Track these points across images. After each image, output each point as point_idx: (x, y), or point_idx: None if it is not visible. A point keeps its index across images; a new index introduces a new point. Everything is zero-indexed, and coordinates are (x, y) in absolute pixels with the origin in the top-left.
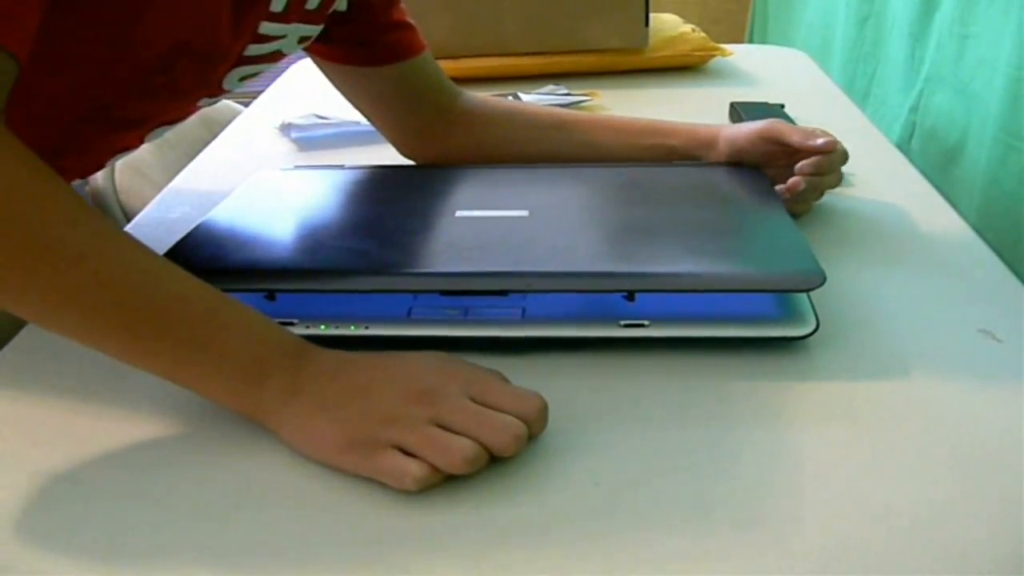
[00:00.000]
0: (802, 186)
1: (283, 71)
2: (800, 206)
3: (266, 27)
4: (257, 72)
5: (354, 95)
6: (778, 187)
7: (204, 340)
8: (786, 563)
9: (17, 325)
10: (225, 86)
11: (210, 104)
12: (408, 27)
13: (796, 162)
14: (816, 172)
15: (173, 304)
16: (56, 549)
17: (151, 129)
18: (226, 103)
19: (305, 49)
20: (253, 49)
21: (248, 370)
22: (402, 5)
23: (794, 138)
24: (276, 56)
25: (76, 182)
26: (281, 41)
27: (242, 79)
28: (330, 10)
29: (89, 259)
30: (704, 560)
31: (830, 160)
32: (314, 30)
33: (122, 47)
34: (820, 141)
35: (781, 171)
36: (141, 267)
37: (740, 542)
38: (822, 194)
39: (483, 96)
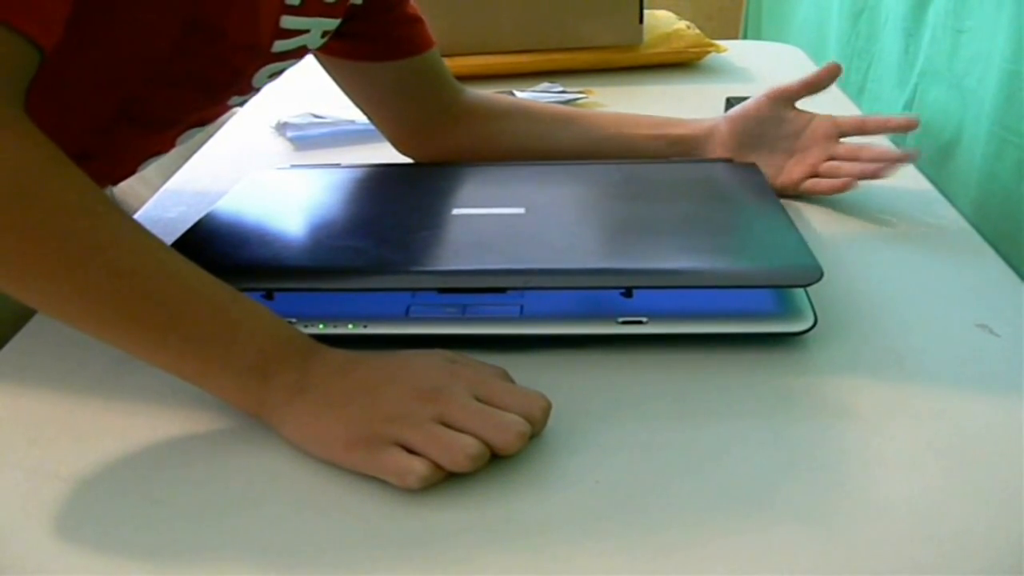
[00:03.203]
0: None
1: None
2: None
3: (287, 21)
4: (283, 69)
5: (358, 91)
6: (825, 166)
7: (212, 334)
8: (785, 559)
9: (18, 324)
10: (255, 84)
11: (240, 103)
12: (418, 21)
13: (798, 138)
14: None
15: (184, 297)
16: (56, 549)
17: (183, 131)
18: None
19: (316, 48)
20: (280, 45)
21: (254, 366)
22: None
23: (794, 84)
24: (301, 52)
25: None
26: (305, 36)
27: (271, 76)
28: (348, 2)
29: (103, 249)
30: (703, 557)
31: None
32: (335, 23)
33: (140, 30)
34: (816, 73)
35: (781, 151)
36: (154, 259)
37: (739, 539)
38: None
39: (483, 93)
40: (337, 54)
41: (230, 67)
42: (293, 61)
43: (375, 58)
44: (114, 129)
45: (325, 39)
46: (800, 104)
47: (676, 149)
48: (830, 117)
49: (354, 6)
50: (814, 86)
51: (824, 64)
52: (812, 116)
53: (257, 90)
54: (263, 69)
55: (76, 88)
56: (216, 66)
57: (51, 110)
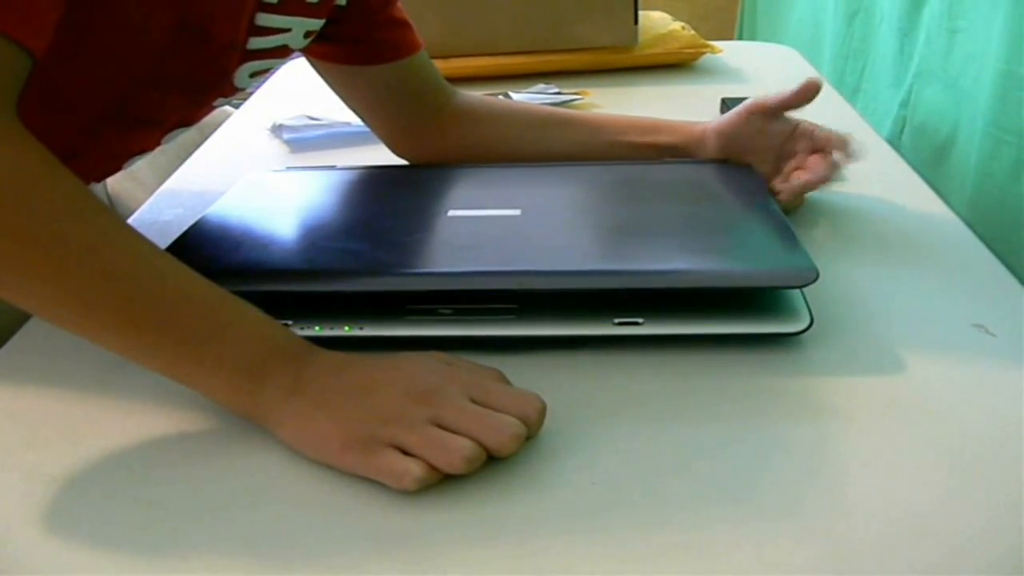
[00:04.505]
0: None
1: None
2: (794, 201)
3: (263, 19)
4: (267, 68)
5: (349, 94)
6: (777, 184)
7: (206, 337)
8: (782, 559)
9: (14, 327)
10: (237, 84)
11: (225, 103)
12: (405, 25)
13: (786, 144)
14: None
15: (177, 300)
16: (52, 550)
17: (169, 130)
18: None
19: (300, 48)
20: (256, 43)
21: (249, 368)
22: (399, 3)
23: (771, 101)
24: (283, 51)
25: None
26: (286, 35)
27: (253, 75)
28: (332, 4)
29: (96, 253)
30: (700, 557)
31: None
32: (318, 24)
33: (132, 32)
34: (794, 89)
35: (772, 162)
36: (147, 262)
37: (736, 539)
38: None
39: (477, 95)
40: (325, 57)
41: (217, 67)
42: (277, 61)
43: (362, 61)
44: (101, 129)
45: (309, 40)
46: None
47: (664, 157)
48: (813, 125)
49: (338, 8)
50: (792, 103)
51: (804, 80)
52: (796, 124)
53: (242, 90)
54: (243, 68)
55: (65, 90)
56: (204, 66)
57: (41, 111)
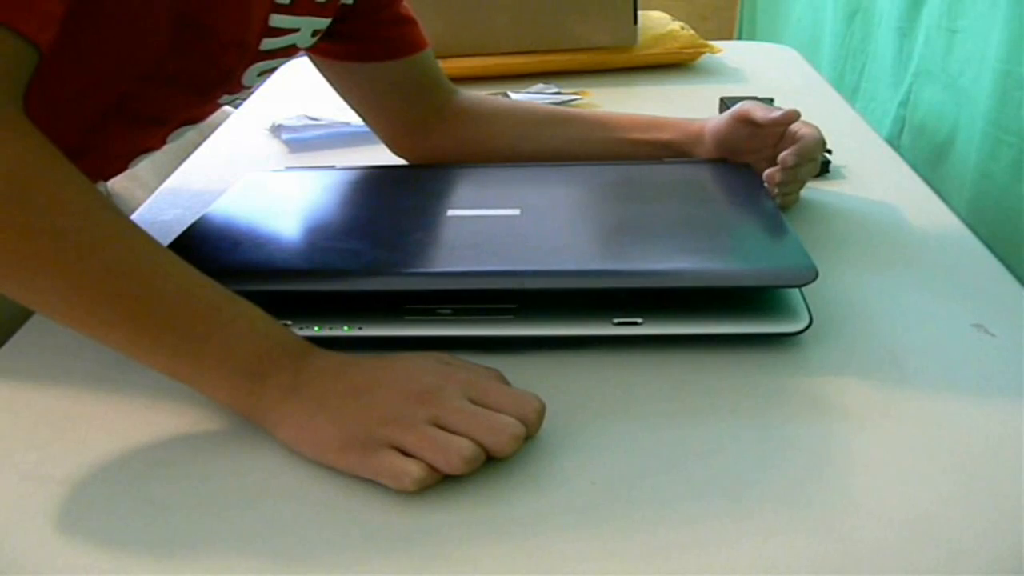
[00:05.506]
0: (778, 177)
1: None
2: (785, 198)
3: (277, 19)
4: (273, 67)
5: (350, 92)
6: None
7: (206, 335)
8: (781, 558)
9: (14, 326)
10: (245, 83)
11: (231, 102)
12: (410, 22)
13: (780, 146)
14: (796, 163)
15: (179, 298)
16: (52, 550)
17: (174, 128)
18: None
19: (307, 47)
20: (268, 43)
21: (249, 368)
22: (404, 0)
23: (758, 114)
24: (292, 51)
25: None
26: (295, 35)
27: (260, 74)
28: (338, 2)
29: (99, 249)
30: (699, 557)
31: (807, 148)
32: (325, 23)
33: (132, 27)
34: (778, 113)
35: (767, 161)
36: (150, 259)
37: (735, 538)
38: (803, 184)
39: (477, 94)
40: (329, 55)
41: (221, 65)
42: (283, 60)
43: (367, 59)
44: (106, 127)
45: (316, 38)
46: (793, 102)
47: (663, 153)
48: (807, 126)
49: (345, 6)
50: (776, 125)
51: (785, 110)
52: (786, 126)
53: (248, 88)
54: (252, 67)
55: (70, 86)
56: (207, 64)
57: (45, 108)
